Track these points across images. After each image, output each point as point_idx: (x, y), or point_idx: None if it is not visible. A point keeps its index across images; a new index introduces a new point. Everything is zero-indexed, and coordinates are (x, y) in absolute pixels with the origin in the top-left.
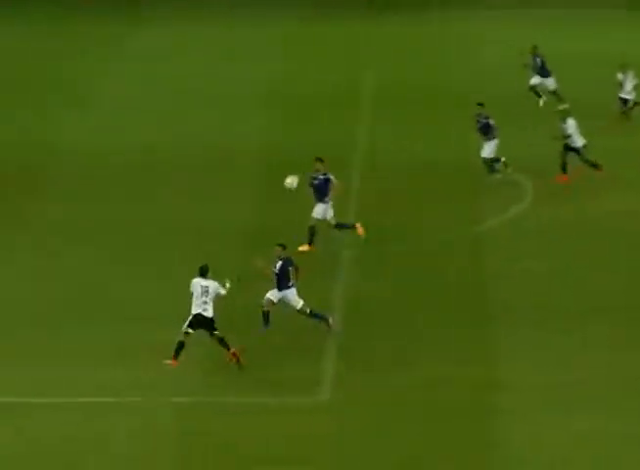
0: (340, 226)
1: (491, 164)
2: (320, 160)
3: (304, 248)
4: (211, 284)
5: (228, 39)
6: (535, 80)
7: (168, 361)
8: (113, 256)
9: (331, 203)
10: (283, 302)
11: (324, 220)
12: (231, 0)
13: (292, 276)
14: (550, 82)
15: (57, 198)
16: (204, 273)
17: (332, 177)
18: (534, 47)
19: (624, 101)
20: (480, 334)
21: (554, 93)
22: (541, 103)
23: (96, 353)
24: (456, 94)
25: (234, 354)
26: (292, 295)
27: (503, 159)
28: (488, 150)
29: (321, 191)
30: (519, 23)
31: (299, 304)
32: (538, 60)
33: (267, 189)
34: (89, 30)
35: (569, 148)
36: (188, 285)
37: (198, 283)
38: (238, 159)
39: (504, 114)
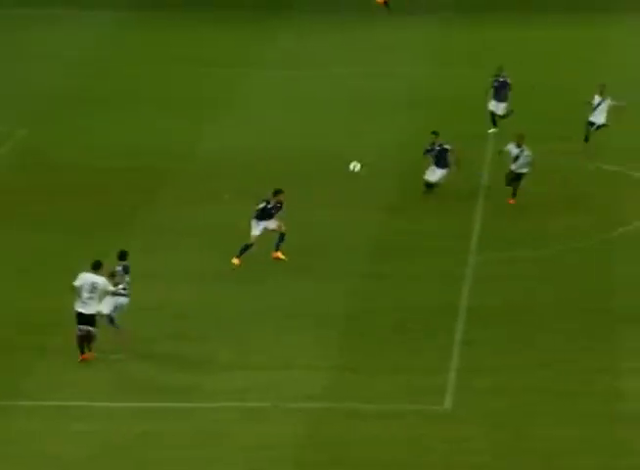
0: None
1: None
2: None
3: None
4: (101, 280)
5: (369, 43)
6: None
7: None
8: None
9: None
10: None
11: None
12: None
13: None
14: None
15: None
16: (96, 268)
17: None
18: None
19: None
20: (605, 343)
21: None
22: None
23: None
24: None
25: (84, 359)
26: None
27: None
28: (439, 174)
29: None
30: None
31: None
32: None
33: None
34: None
35: None
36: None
37: (87, 278)
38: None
39: None
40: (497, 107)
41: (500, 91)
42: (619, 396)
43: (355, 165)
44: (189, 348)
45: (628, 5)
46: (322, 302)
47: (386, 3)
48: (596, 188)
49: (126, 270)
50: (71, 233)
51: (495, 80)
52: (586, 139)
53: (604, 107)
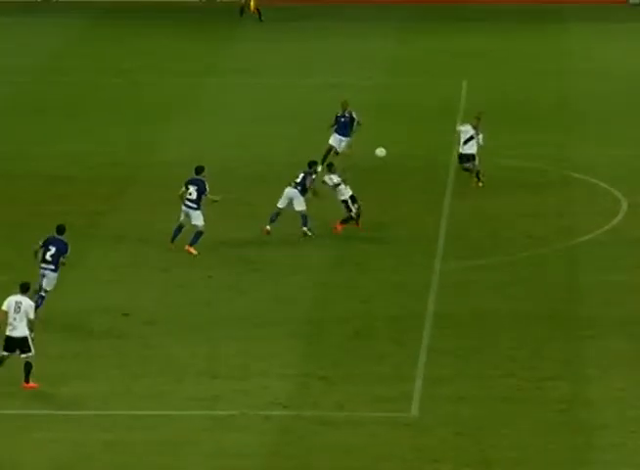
0: None
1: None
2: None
3: None
4: (25, 301)
5: (332, 53)
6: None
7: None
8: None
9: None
10: None
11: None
12: (332, 15)
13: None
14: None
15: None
16: (24, 290)
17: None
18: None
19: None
20: (569, 351)
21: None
22: None
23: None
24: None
25: (26, 387)
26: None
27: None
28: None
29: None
30: None
31: None
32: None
33: None
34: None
35: None
36: None
37: (12, 300)
38: None
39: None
40: (339, 143)
41: (344, 127)
42: (583, 404)
43: (381, 151)
44: (156, 355)
45: (581, 14)
46: (288, 309)
47: (258, 11)
48: (562, 196)
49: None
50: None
51: (341, 116)
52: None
53: (476, 141)
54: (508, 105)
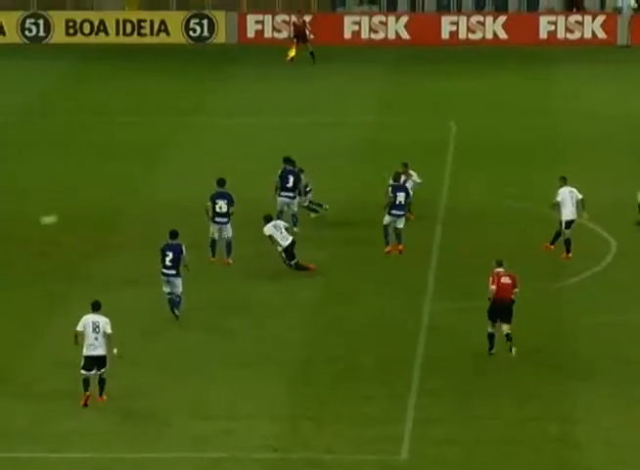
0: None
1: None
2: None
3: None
4: (101, 319)
5: (322, 93)
6: None
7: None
8: None
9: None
10: None
11: None
12: (321, 57)
13: None
14: None
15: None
16: (97, 308)
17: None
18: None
19: None
20: (556, 392)
21: None
22: None
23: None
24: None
25: (99, 400)
26: None
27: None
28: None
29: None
30: None
31: None
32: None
33: None
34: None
35: None
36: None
37: (89, 319)
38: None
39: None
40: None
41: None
42: (571, 444)
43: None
44: (142, 397)
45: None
46: (274, 349)
47: (312, 54)
48: (549, 236)
49: None
50: (25, 286)
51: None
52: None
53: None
54: (495, 144)
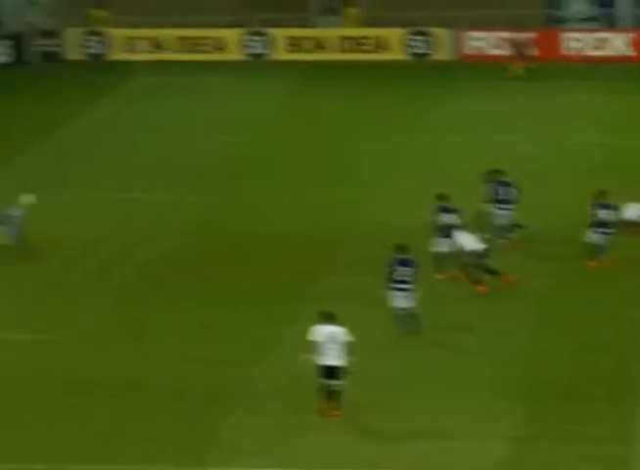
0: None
1: None
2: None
3: None
4: (336, 329)
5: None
6: None
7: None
8: None
9: None
10: None
11: None
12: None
13: None
14: None
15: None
16: (330, 319)
17: None
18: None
19: None
20: (616, 409)
21: None
22: None
23: None
24: None
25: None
26: None
27: None
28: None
29: None
30: None
31: None
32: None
33: None
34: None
35: None
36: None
37: (325, 331)
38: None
39: None
40: None
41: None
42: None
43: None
44: (373, 413)
45: None
46: (492, 370)
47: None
48: None
49: None
50: (251, 305)
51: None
52: None
53: None
54: None
